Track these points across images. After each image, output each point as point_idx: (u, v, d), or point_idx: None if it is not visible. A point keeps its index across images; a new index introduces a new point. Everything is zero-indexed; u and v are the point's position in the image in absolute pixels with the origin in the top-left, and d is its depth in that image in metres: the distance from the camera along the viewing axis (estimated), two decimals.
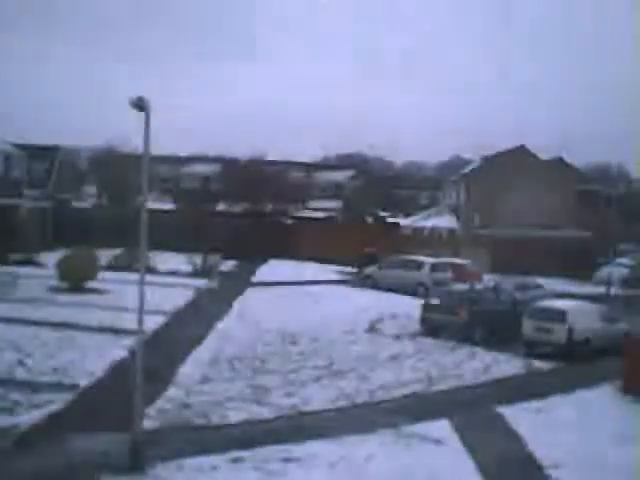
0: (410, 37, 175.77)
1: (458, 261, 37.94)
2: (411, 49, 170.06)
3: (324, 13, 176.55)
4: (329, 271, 42.47)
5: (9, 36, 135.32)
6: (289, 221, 53.61)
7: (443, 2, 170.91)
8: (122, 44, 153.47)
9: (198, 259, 37.55)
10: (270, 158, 62.05)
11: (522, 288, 31.16)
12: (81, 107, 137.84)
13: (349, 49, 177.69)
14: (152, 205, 38.81)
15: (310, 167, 72.31)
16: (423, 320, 25.54)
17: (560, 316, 22.80)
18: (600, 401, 18.04)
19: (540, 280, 34.44)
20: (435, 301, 25.76)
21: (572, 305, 24.29)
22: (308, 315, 27.34)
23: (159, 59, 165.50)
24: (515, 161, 55.83)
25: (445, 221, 57.65)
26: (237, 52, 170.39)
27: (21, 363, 17.20)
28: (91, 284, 29.24)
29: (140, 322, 12.11)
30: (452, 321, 24.49)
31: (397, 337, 24.39)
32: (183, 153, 75.55)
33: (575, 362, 22.43)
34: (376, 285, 35.59)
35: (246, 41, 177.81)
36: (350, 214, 60.32)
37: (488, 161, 61.54)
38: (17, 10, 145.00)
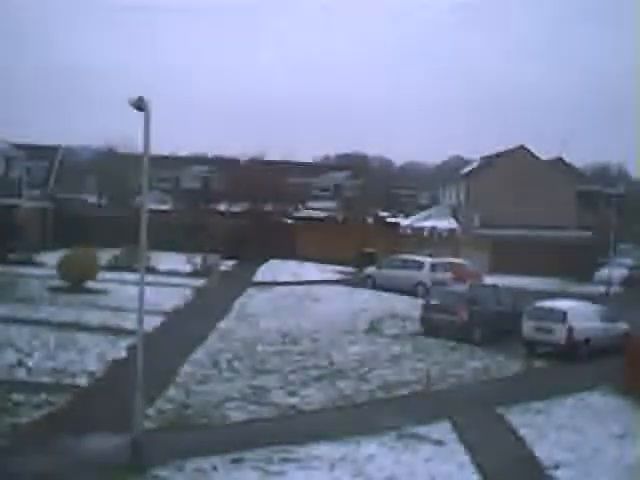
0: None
1: (458, 261, 37.93)
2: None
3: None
4: (329, 271, 42.46)
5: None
6: (289, 221, 53.58)
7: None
8: None
9: (198, 259, 37.55)
10: (270, 158, 62.03)
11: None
12: (81, 107, 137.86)
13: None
14: (152, 205, 38.90)
15: (310, 167, 72.30)
16: (423, 320, 25.53)
17: (560, 316, 22.78)
18: (600, 401, 18.02)
19: (540, 280, 34.47)
20: (435, 301, 25.74)
21: (572, 305, 24.26)
22: (308, 315, 27.35)
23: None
24: (515, 161, 55.83)
25: (445, 221, 57.60)
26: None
27: (21, 363, 17.19)
28: (91, 284, 29.23)
29: (140, 322, 12.09)
30: (452, 321, 24.48)
31: (397, 337, 24.38)
32: (183, 153, 75.65)
33: (575, 362, 22.43)
34: (376, 285, 35.59)
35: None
36: (350, 214, 60.28)
37: (488, 161, 61.55)
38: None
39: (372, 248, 44.80)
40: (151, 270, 31.53)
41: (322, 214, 60.09)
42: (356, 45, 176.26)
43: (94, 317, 23.27)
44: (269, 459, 12.35)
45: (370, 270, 37.32)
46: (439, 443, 13.84)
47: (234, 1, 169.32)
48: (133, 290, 20.82)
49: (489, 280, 34.69)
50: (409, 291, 33.78)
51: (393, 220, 64.87)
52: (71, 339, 20.05)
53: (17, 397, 14.63)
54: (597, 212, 62.34)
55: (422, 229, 56.06)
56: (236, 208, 52.48)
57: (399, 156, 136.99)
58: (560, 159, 71.28)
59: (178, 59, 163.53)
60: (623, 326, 24.43)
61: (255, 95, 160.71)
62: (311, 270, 41.88)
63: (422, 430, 14.52)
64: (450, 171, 78.32)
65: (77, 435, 12.75)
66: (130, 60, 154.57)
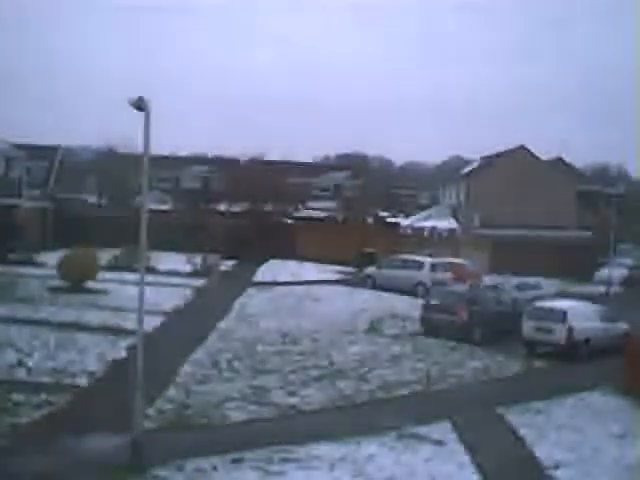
0: None
1: (458, 261, 37.91)
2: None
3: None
4: (329, 271, 42.46)
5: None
6: (289, 221, 53.58)
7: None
8: None
9: (198, 259, 37.54)
10: (270, 158, 62.07)
11: (521, 288, 31.35)
12: (81, 107, 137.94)
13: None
14: (152, 205, 38.90)
15: (310, 167, 72.30)
16: (423, 320, 25.52)
17: (560, 316, 22.78)
18: (600, 401, 18.01)
19: (540, 280, 34.56)
20: (435, 301, 25.74)
21: (572, 305, 24.27)
22: (308, 315, 27.35)
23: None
24: (515, 161, 55.83)
25: (445, 221, 57.59)
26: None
27: (21, 363, 17.18)
28: (91, 284, 29.22)
29: (140, 322, 12.09)
30: (452, 321, 24.47)
31: (397, 337, 24.37)
32: (183, 153, 75.68)
33: (575, 362, 22.42)
34: (376, 285, 35.58)
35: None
36: (350, 214, 60.30)
37: (488, 161, 61.55)
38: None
39: (372, 248, 44.79)
40: (151, 270, 31.51)
41: (322, 214, 60.09)
42: (356, 45, 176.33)
43: (94, 317, 23.26)
44: (269, 459, 12.34)
45: (370, 270, 37.32)
46: (439, 443, 13.83)
47: (234, 1, 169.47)
48: (133, 290, 20.79)
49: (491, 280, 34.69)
50: (409, 291, 33.77)
51: (393, 220, 64.86)
52: (71, 339, 20.05)
53: (17, 397, 14.63)
54: (597, 212, 62.34)
55: (422, 229, 56.06)
56: (236, 208, 52.50)
57: (399, 156, 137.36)
58: (560, 159, 71.30)
59: (178, 59, 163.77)
60: (623, 326, 24.43)
61: (255, 95, 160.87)
62: (311, 270, 41.89)
63: (422, 430, 14.52)
64: (450, 171, 78.32)
65: (77, 435, 12.75)
66: (130, 60, 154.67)
